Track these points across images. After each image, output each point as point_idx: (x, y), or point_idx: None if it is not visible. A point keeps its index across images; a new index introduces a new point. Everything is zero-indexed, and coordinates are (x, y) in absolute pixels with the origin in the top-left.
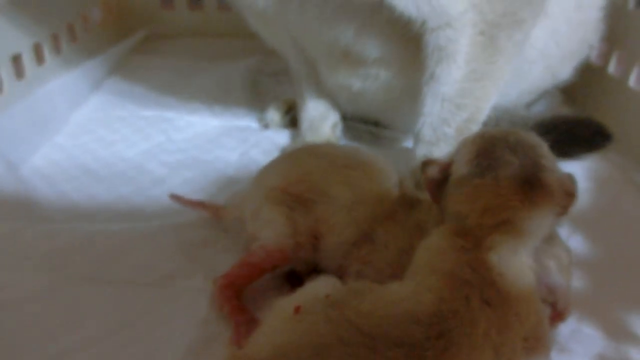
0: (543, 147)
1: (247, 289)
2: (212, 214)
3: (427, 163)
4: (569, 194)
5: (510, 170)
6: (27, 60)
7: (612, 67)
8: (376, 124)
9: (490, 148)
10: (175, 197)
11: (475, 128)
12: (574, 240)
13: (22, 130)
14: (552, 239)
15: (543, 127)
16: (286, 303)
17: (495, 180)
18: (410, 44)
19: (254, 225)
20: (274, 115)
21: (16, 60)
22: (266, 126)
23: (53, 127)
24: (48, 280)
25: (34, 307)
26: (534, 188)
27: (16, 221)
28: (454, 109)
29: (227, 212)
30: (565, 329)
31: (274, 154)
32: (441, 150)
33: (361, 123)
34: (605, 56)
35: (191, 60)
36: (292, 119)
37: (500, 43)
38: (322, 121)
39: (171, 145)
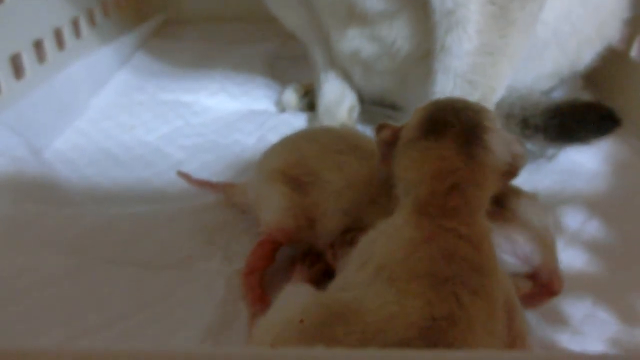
0: (490, 113)
1: (267, 274)
2: (220, 192)
3: (381, 127)
4: (515, 154)
5: (452, 131)
6: (49, 45)
7: (634, 51)
8: (393, 107)
9: (437, 113)
10: (182, 175)
11: None
12: (590, 225)
13: (45, 115)
14: (526, 205)
15: (552, 111)
16: (263, 331)
17: (436, 142)
18: (417, 2)
19: (258, 208)
20: (291, 98)
21: (37, 45)
22: (283, 110)
23: (74, 111)
24: (71, 262)
25: (57, 289)
26: (475, 148)
27: (40, 204)
28: (466, 86)
29: (234, 190)
30: (580, 312)
31: None
32: None
33: (378, 107)
34: (628, 40)
35: (209, 45)
36: (309, 103)
37: (513, 13)
38: (338, 105)
39: (189, 129)
